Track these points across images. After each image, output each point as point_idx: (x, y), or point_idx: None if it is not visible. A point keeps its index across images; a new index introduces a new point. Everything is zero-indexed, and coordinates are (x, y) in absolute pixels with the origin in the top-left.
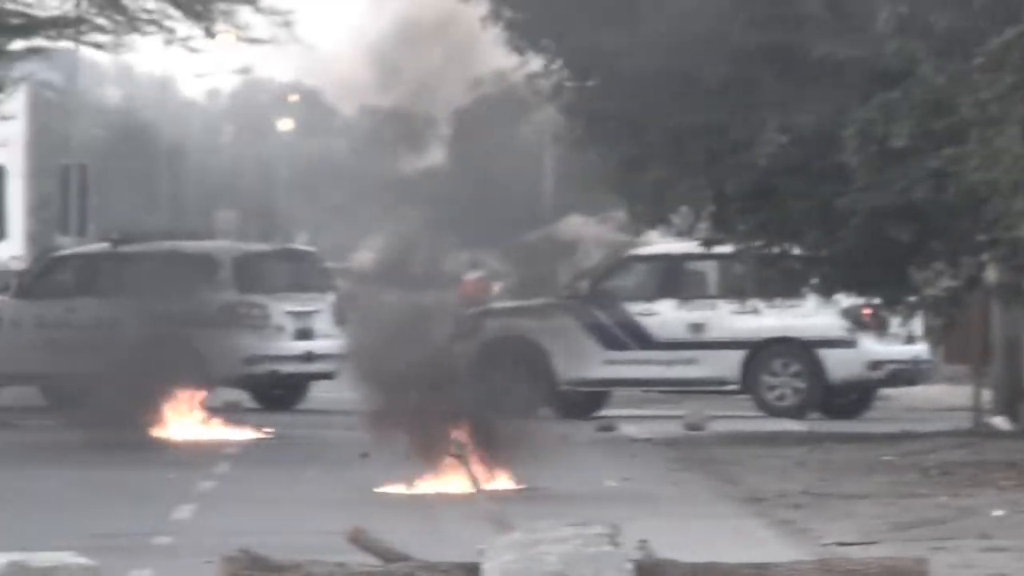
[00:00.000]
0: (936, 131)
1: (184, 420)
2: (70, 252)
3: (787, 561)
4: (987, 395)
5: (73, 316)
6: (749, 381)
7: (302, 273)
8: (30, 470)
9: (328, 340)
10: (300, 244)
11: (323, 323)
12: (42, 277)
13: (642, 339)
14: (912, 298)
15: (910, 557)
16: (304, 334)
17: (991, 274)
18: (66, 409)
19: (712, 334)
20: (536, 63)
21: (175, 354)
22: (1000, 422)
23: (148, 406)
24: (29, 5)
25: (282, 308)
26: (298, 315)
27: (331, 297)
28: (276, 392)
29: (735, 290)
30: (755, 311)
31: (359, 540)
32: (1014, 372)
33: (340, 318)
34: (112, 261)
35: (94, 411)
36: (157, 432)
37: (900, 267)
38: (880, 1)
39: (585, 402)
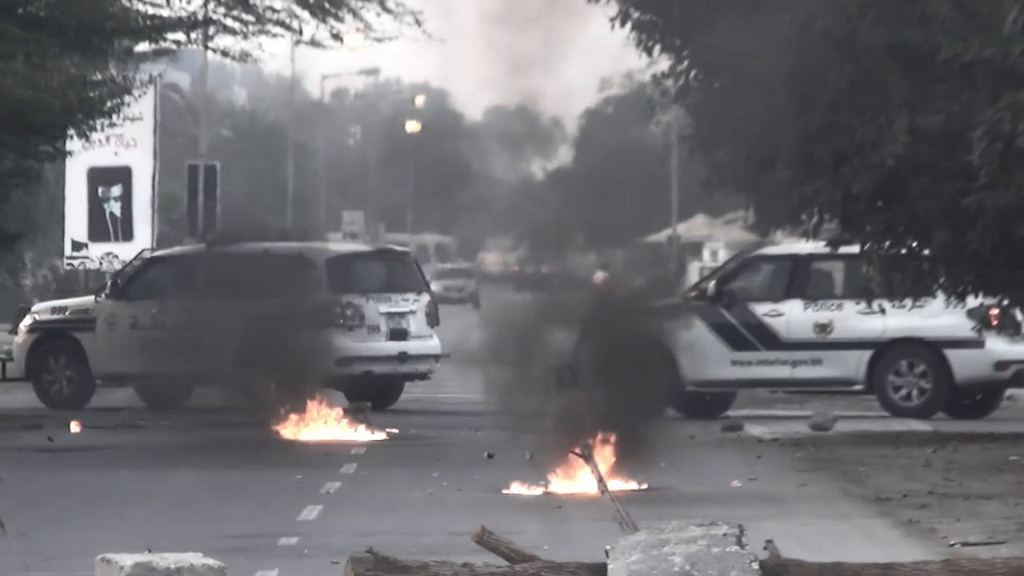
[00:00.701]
0: None
1: (310, 421)
2: (164, 253)
3: (912, 561)
4: None
5: (166, 317)
6: (875, 381)
7: (397, 274)
8: (155, 471)
9: (422, 341)
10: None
11: (417, 324)
12: (137, 278)
13: (768, 339)
14: None
15: None
16: (398, 335)
17: None
18: (174, 410)
19: (838, 334)
20: (663, 63)
21: (268, 355)
22: None
23: (253, 406)
24: (158, 6)
25: (376, 308)
26: (392, 315)
27: (425, 298)
28: (371, 392)
29: (861, 291)
30: (881, 311)
31: (485, 541)
32: None
33: (433, 319)
34: (206, 262)
35: (197, 412)
36: (284, 433)
37: None
38: (1008, 1)
39: (712, 402)
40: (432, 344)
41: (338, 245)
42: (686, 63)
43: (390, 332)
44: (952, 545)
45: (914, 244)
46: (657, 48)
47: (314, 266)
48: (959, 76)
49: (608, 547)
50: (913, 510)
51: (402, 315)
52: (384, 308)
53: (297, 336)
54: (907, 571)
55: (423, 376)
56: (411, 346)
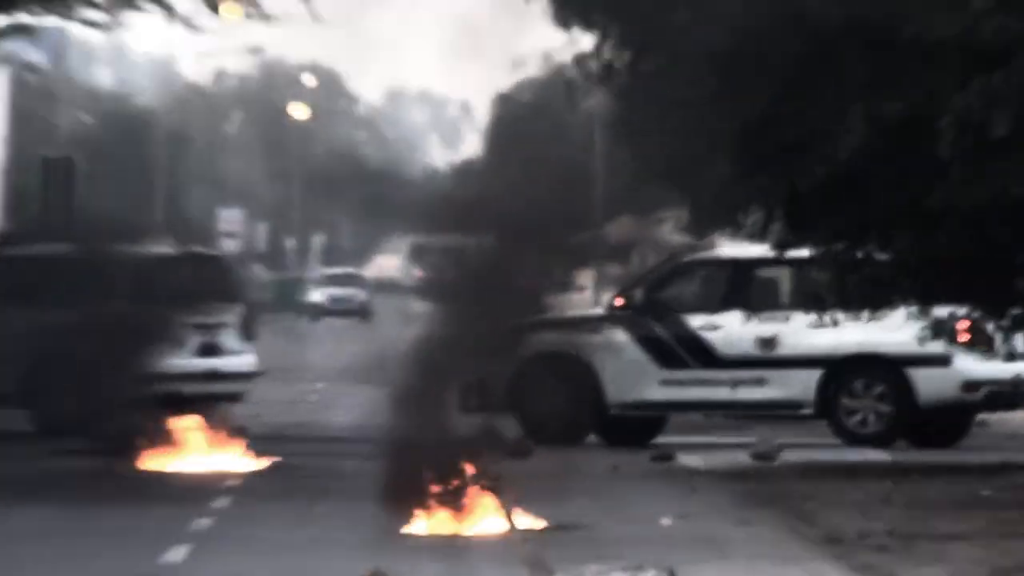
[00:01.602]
0: None
1: (176, 447)
2: None
3: None
4: None
5: None
6: (827, 404)
7: (207, 281)
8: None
9: (235, 357)
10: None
11: (230, 338)
12: None
13: (704, 356)
14: (1017, 310)
15: None
16: (208, 350)
17: None
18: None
19: (785, 351)
20: (586, 41)
21: (62, 372)
22: None
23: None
24: None
25: (184, 321)
26: (200, 328)
27: (239, 308)
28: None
29: (812, 300)
30: (834, 324)
31: None
32: None
33: (249, 332)
34: None
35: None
36: (143, 462)
37: (1003, 273)
38: None
39: (639, 428)
40: (247, 361)
41: (143, 248)
42: (613, 41)
43: (199, 347)
44: None
45: (872, 247)
46: (579, 23)
47: (115, 272)
48: (924, 57)
49: None
50: (870, 553)
51: (212, 328)
52: (193, 320)
53: (93, 351)
54: None
55: (235, 398)
56: (223, 363)
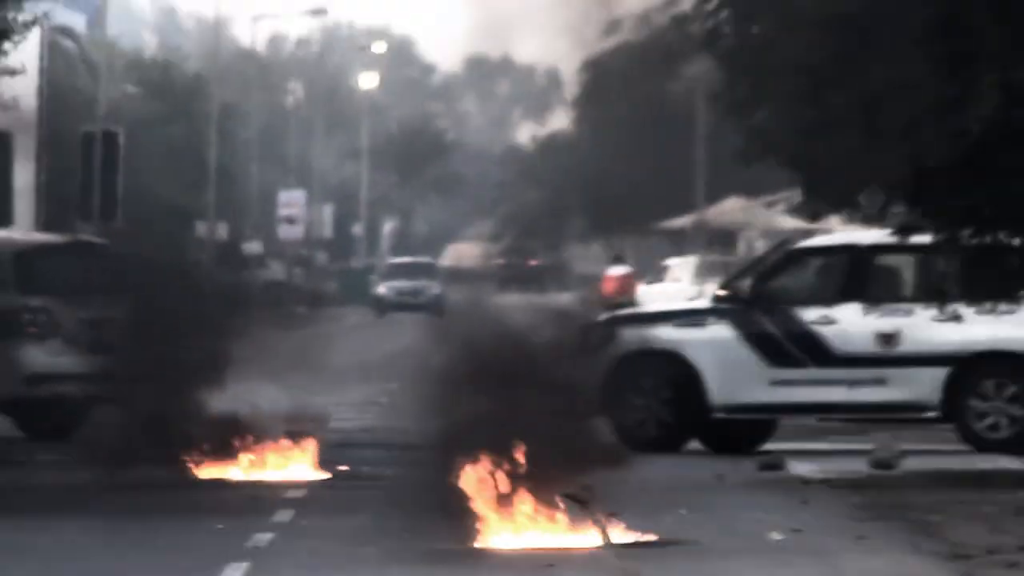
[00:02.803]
0: None
1: (238, 456)
2: None
3: None
4: None
5: None
6: (953, 406)
7: (101, 272)
8: (34, 519)
9: None
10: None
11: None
12: None
13: (818, 353)
14: None
15: None
16: (98, 346)
17: None
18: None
19: (907, 347)
20: (686, 1)
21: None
22: None
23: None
24: None
25: (75, 314)
26: (95, 323)
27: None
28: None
29: (936, 292)
30: (961, 319)
31: None
32: None
33: None
34: None
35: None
36: (201, 471)
37: None
38: None
39: (746, 433)
40: None
41: (25, 235)
42: (719, 2)
43: (89, 343)
44: None
45: (1004, 234)
46: None
47: None
48: None
49: None
50: (1000, 570)
51: (105, 323)
52: (85, 314)
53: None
54: None
55: None
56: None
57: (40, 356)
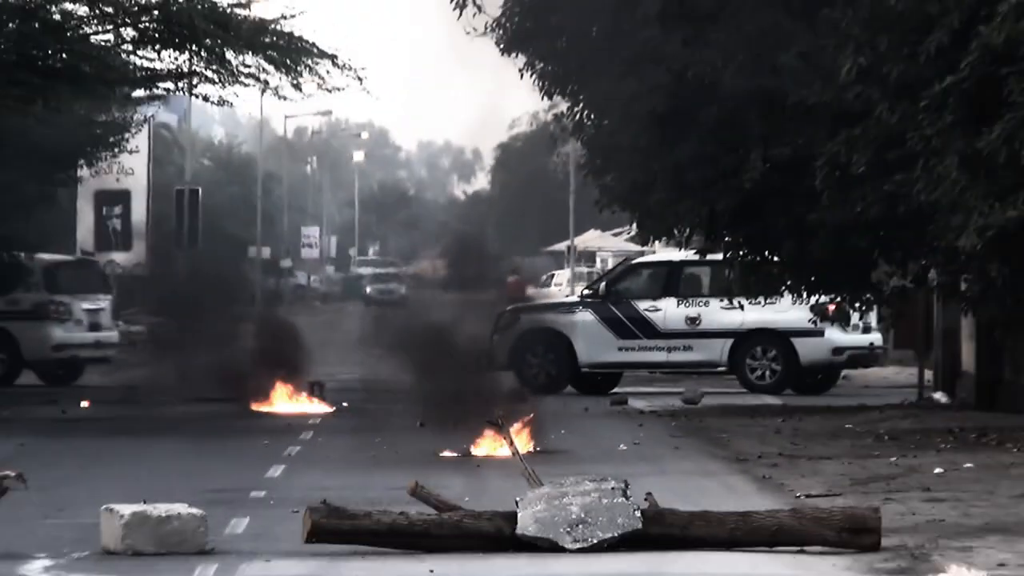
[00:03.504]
0: (889, 160)
1: (277, 397)
2: None
3: (766, 510)
4: (929, 375)
5: None
6: (735, 364)
7: (90, 278)
8: (148, 438)
9: (108, 331)
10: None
11: (106, 318)
12: None
13: (648, 330)
14: (869, 295)
15: (866, 506)
16: (94, 326)
17: (932, 275)
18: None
19: (705, 326)
20: (562, 105)
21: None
22: (939, 397)
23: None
24: (151, 59)
25: (80, 306)
26: (90, 311)
27: (109, 298)
28: (60, 372)
29: (724, 290)
30: (740, 307)
31: (418, 493)
32: (951, 356)
33: (116, 314)
34: None
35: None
36: (254, 406)
37: (860, 270)
38: (843, 54)
39: (602, 381)
40: (114, 334)
41: (51, 256)
42: (581, 105)
43: (89, 324)
44: (798, 497)
45: (766, 253)
46: (557, 93)
47: (33, 271)
48: (804, 116)
49: (518, 499)
50: (766, 468)
51: (97, 311)
52: (85, 305)
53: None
54: (762, 518)
55: (107, 360)
56: (103, 336)
57: (60, 332)
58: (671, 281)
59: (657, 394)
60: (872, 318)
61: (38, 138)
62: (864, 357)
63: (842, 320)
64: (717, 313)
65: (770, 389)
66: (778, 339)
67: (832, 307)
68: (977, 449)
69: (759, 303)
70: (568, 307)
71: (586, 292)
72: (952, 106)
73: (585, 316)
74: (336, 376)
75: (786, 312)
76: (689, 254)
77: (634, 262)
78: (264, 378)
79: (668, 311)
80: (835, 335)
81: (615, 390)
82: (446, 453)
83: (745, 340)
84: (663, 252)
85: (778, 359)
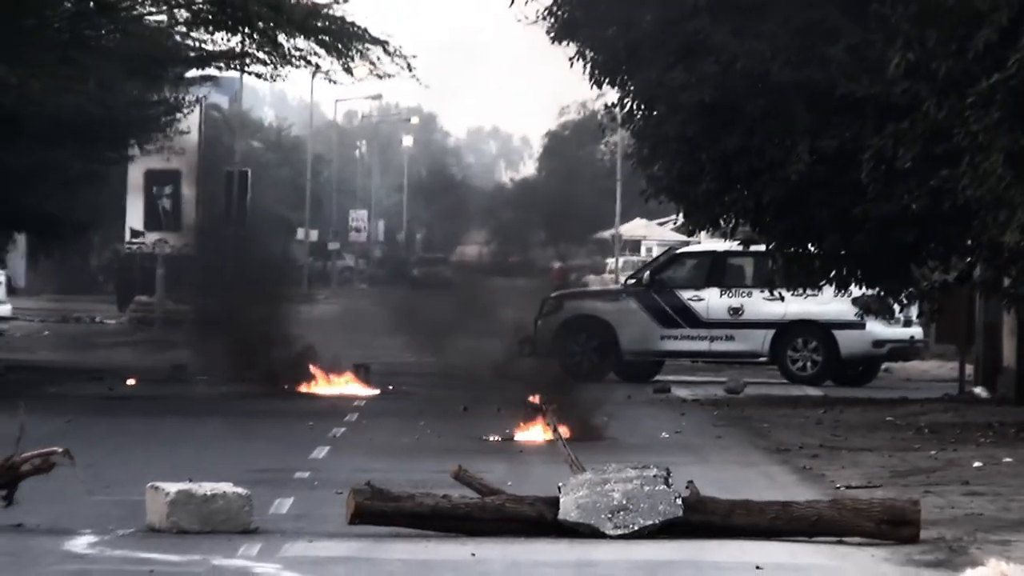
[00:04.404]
0: (935, 155)
1: (322, 379)
2: None
3: (806, 500)
4: (970, 369)
5: None
6: (776, 354)
7: None
8: (194, 418)
9: (4, 305)
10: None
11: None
12: None
13: (691, 319)
14: (911, 289)
15: (905, 499)
16: None
17: (977, 271)
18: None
19: (747, 316)
20: (612, 95)
21: None
22: (980, 391)
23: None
24: (203, 41)
25: None
26: None
27: (3, 273)
28: None
29: (767, 281)
30: (782, 299)
31: (461, 477)
32: (993, 351)
33: (7, 290)
34: None
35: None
36: (299, 388)
37: (902, 264)
38: (892, 49)
39: (645, 369)
40: (8, 308)
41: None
42: (630, 95)
43: None
44: (838, 488)
45: (810, 245)
46: (606, 82)
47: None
48: (851, 109)
49: (560, 484)
50: (807, 459)
51: None
52: None
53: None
54: (801, 508)
55: (2, 333)
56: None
57: None
58: (714, 271)
59: (699, 383)
60: (913, 312)
61: (89, 117)
62: (905, 350)
63: (884, 313)
64: (759, 304)
65: (811, 380)
66: (819, 331)
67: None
68: (1017, 444)
69: (801, 295)
70: (612, 295)
71: (631, 281)
72: (999, 103)
73: (629, 304)
74: (380, 359)
75: (828, 304)
76: (733, 245)
77: (678, 252)
78: (310, 360)
79: (711, 301)
80: (876, 328)
81: (657, 378)
82: (490, 438)
83: (787, 331)
84: (707, 242)
85: (819, 351)
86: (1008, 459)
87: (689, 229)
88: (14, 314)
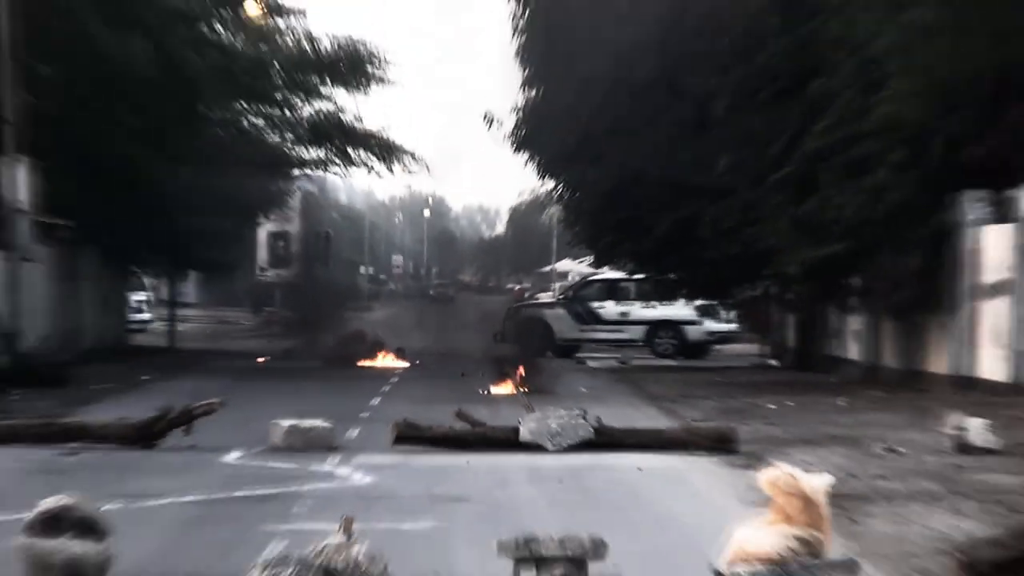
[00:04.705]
0: (747, 220)
1: (377, 357)
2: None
3: (668, 427)
4: (767, 349)
5: None
6: (648, 340)
7: None
8: (300, 380)
9: None
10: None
11: None
12: None
13: (597, 320)
14: (731, 301)
15: (728, 427)
16: None
17: (771, 290)
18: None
19: (631, 318)
20: (551, 184)
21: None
22: (774, 362)
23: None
24: (303, 152)
25: None
26: None
27: None
28: None
29: (643, 296)
30: (653, 307)
31: (461, 416)
32: (781, 337)
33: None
34: None
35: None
36: (362, 363)
37: (726, 286)
38: (720, 156)
39: (570, 350)
40: (147, 315)
41: None
42: (562, 185)
43: None
44: (687, 420)
45: (671, 275)
46: (547, 176)
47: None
48: (695, 192)
49: (520, 419)
50: (669, 403)
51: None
52: None
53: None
54: (665, 432)
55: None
56: None
57: None
58: (611, 290)
59: (604, 358)
60: (732, 315)
61: (236, 198)
62: (726, 338)
63: (713, 315)
64: (639, 310)
65: (669, 356)
66: (674, 326)
67: (711, 306)
68: (796, 393)
69: (663, 304)
70: (550, 305)
71: (560, 296)
72: (785, 189)
73: (560, 311)
74: (410, 345)
75: (680, 310)
76: (623, 275)
77: (589, 279)
78: (367, 346)
79: (609, 308)
80: (709, 324)
81: (577, 355)
82: (479, 391)
83: (655, 327)
84: (607, 273)
85: (675, 338)
86: (790, 403)
87: (598, 265)
88: (184, 317)
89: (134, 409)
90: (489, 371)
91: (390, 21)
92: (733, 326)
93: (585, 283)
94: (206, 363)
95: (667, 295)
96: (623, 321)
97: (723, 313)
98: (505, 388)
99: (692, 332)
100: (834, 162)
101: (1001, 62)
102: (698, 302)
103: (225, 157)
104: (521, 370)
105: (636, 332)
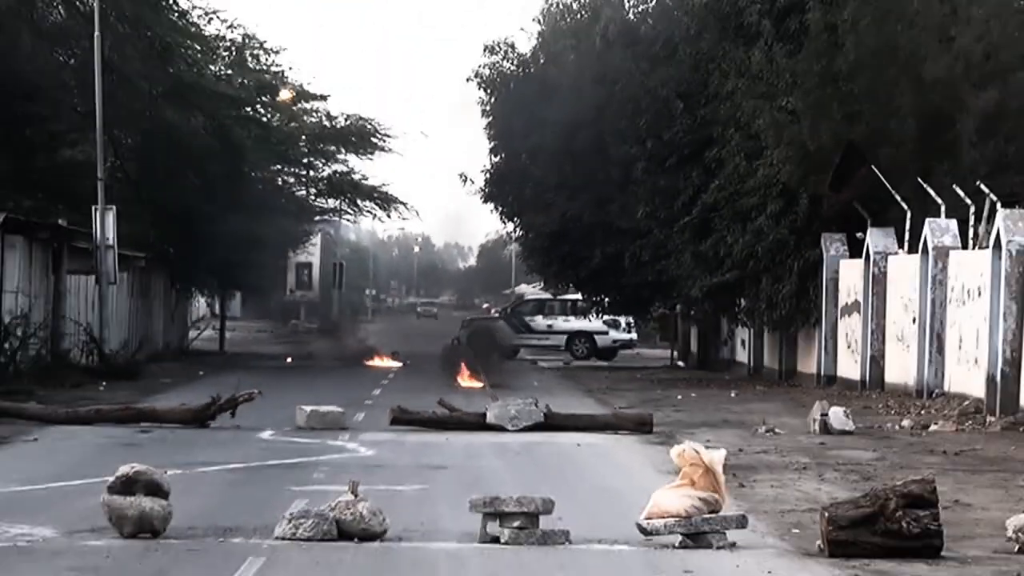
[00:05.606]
0: (660, 255)
1: (379, 359)
2: None
3: (600, 413)
4: (676, 353)
5: None
6: (569, 346)
7: None
8: (318, 375)
9: None
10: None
11: None
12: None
13: (529, 330)
14: (648, 316)
15: (646, 412)
16: None
17: (678, 308)
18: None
19: (556, 328)
20: (511, 226)
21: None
22: (680, 364)
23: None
24: (322, 203)
25: None
26: None
27: None
28: None
29: (566, 312)
30: (573, 319)
31: (441, 403)
32: (686, 344)
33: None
34: None
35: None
36: (369, 363)
37: (645, 304)
38: (639, 206)
39: (513, 352)
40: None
41: None
42: (519, 227)
43: None
44: (615, 407)
45: (593, 297)
46: (509, 220)
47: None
48: (621, 233)
49: (487, 406)
50: (600, 394)
51: None
52: None
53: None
54: (598, 416)
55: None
56: None
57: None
58: (540, 307)
59: (547, 359)
60: (630, 325)
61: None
62: (626, 345)
63: (617, 327)
64: (561, 323)
65: (585, 358)
66: (589, 335)
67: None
68: (698, 387)
69: (582, 319)
70: (496, 318)
71: (504, 311)
72: (689, 231)
73: (502, 323)
74: (403, 349)
75: (592, 323)
76: (549, 295)
77: (525, 298)
78: (372, 349)
79: (539, 320)
80: (614, 334)
81: (520, 356)
82: (454, 384)
83: (573, 336)
84: (538, 293)
85: (589, 344)
86: (694, 394)
87: (548, 289)
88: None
89: (192, 397)
90: (447, 367)
91: (391, 101)
92: (632, 336)
93: (521, 301)
94: (247, 363)
95: (586, 312)
96: (549, 331)
97: (623, 325)
98: (474, 382)
99: (601, 340)
100: (725, 211)
101: (849, 137)
102: (606, 317)
103: (263, 206)
104: (476, 366)
105: (559, 340)
